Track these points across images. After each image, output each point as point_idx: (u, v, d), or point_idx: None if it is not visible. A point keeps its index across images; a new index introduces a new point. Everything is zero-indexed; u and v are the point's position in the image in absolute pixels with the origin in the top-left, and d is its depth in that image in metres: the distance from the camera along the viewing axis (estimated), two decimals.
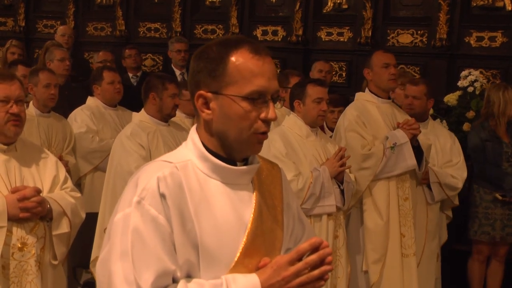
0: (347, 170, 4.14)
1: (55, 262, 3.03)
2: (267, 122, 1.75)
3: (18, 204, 2.88)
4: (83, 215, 3.20)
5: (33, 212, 2.91)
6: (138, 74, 7.19)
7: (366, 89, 4.61)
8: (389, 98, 4.63)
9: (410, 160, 4.38)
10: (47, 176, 3.09)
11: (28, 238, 2.92)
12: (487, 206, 5.23)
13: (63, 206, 3.03)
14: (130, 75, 7.17)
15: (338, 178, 4.07)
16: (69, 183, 3.18)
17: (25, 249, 2.90)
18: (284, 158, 3.92)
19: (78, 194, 3.20)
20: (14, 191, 2.92)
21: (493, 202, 5.21)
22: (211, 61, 1.74)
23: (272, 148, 3.94)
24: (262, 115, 1.74)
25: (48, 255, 3.00)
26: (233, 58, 1.72)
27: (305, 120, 4.10)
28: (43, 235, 2.98)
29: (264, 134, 1.76)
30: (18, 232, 2.91)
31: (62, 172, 3.16)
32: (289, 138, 4.06)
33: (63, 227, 3.04)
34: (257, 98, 1.73)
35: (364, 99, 4.57)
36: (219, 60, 1.73)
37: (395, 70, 4.50)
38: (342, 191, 4.09)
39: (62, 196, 3.08)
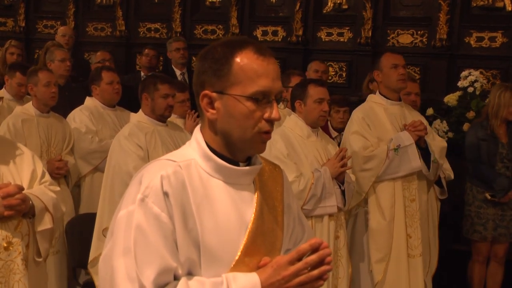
0: (348, 171, 4.14)
1: (39, 259, 2.97)
2: (270, 122, 1.78)
3: (2, 202, 2.79)
4: (64, 209, 3.14)
5: (17, 210, 2.83)
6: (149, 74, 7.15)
7: (377, 92, 4.62)
8: (399, 99, 4.63)
9: (414, 162, 4.38)
10: (25, 172, 2.99)
11: (13, 237, 2.84)
12: (479, 205, 5.22)
13: (44, 201, 2.95)
14: (142, 74, 7.13)
15: (339, 178, 4.07)
16: (47, 177, 3.08)
17: (10, 248, 2.83)
18: (285, 159, 3.92)
19: (58, 188, 3.12)
20: None
21: (485, 202, 5.20)
22: (216, 61, 1.77)
23: (273, 148, 3.93)
24: (266, 115, 1.76)
25: (32, 252, 2.93)
26: (238, 59, 1.75)
27: (306, 120, 4.10)
28: (27, 232, 2.90)
29: (268, 134, 1.79)
30: (3, 231, 2.83)
31: (39, 166, 3.06)
32: (290, 139, 4.06)
33: (46, 223, 2.96)
34: (261, 99, 1.75)
35: (372, 101, 4.58)
36: (224, 60, 1.76)
37: (404, 71, 4.51)
38: (343, 192, 4.09)
39: (43, 191, 2.99)
